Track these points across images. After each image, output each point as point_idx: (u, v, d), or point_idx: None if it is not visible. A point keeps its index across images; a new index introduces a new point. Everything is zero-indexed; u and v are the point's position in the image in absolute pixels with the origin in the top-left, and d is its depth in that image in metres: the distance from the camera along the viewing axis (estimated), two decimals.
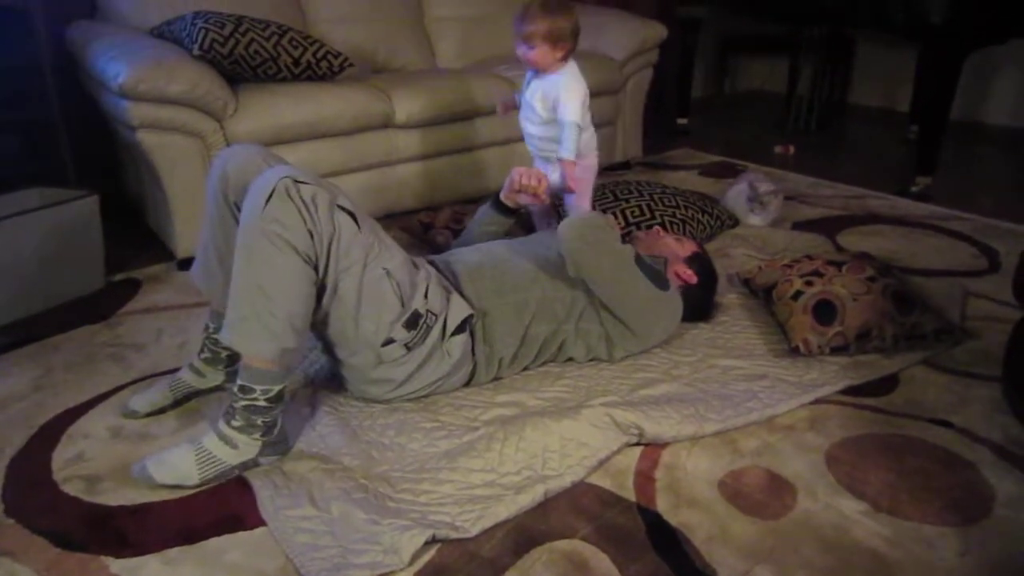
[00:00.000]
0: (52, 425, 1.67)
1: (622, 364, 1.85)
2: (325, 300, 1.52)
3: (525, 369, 1.83)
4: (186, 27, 2.38)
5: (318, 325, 1.57)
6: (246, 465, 1.49)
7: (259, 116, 2.40)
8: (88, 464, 1.54)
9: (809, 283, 1.98)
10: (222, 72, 2.38)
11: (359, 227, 1.51)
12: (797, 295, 1.97)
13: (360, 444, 1.57)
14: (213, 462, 1.46)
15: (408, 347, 1.60)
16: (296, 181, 1.43)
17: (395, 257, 1.58)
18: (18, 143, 2.38)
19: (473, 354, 1.71)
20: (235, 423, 1.47)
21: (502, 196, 2.06)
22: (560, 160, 2.01)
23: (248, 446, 1.48)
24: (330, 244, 1.46)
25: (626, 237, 2.20)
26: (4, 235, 2.06)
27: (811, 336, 1.88)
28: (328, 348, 1.66)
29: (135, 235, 2.69)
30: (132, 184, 2.78)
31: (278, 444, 1.53)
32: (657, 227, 2.23)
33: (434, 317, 1.62)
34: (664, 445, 1.58)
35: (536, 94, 2.08)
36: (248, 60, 2.41)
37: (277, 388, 1.49)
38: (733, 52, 5.16)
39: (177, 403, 1.72)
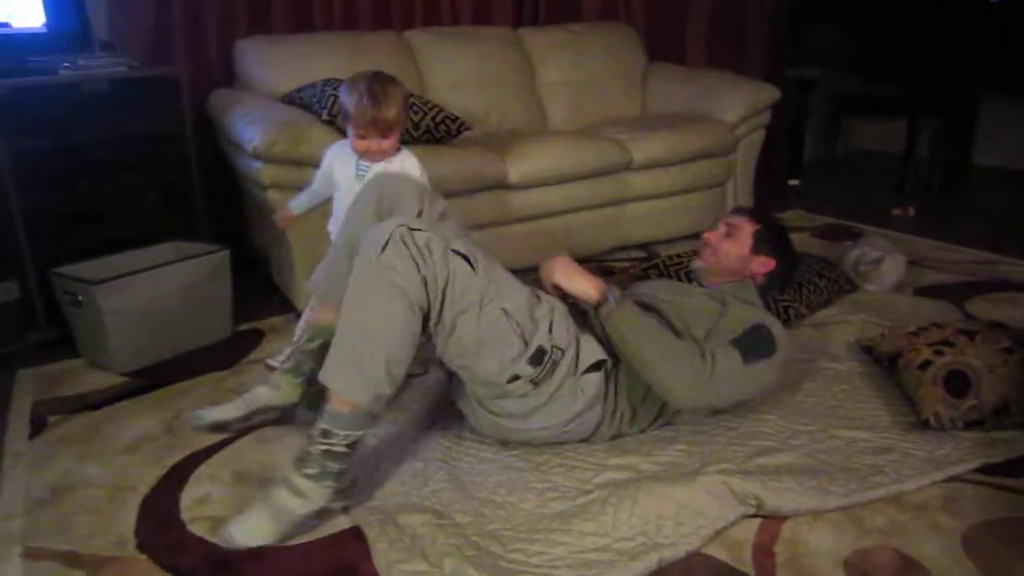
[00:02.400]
0: (181, 466, 1.76)
1: (738, 431, 1.80)
2: (443, 338, 1.54)
3: (642, 431, 1.80)
4: (316, 94, 2.54)
5: (443, 362, 1.61)
6: (317, 513, 1.50)
7: None
8: (214, 505, 1.60)
9: (939, 352, 1.88)
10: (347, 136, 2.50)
11: (474, 269, 1.53)
12: (926, 365, 1.87)
13: (472, 501, 1.57)
14: (287, 515, 1.47)
15: (535, 382, 1.59)
16: (411, 228, 1.49)
17: (515, 295, 1.59)
18: (160, 201, 2.56)
19: (604, 399, 1.68)
20: (308, 471, 1.48)
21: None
22: None
23: (317, 494, 1.48)
24: (445, 287, 1.49)
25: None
26: (144, 285, 2.21)
27: (942, 409, 1.78)
28: (457, 381, 1.69)
29: (260, 288, 2.83)
30: (258, 241, 2.94)
31: (348, 490, 1.54)
32: (705, 235, 1.97)
33: (560, 352, 1.60)
34: (784, 518, 1.52)
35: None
36: None
37: (358, 434, 1.51)
38: (846, 112, 5.05)
39: (247, 417, 1.78)
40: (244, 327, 2.53)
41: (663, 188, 3.13)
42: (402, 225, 1.49)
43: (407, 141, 2.65)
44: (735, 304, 1.81)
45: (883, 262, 2.67)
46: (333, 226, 2.07)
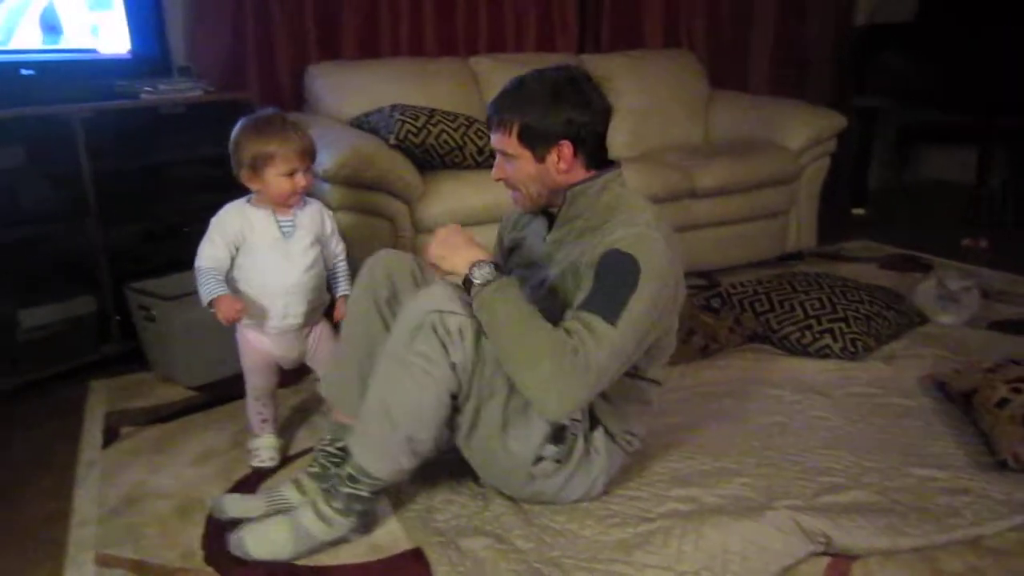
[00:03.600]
0: (247, 480, 1.79)
1: (804, 465, 1.75)
2: (467, 424, 1.51)
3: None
4: (384, 119, 2.59)
5: (466, 448, 1.57)
6: (337, 541, 1.53)
7: (445, 201, 2.55)
8: None
9: (1017, 390, 1.82)
10: (413, 160, 2.55)
11: None
12: (1003, 403, 1.81)
13: (532, 527, 1.56)
14: (308, 538, 1.51)
15: (559, 461, 1.56)
16: (443, 313, 1.43)
17: None
18: None
19: (614, 440, 1.63)
20: (335, 504, 1.51)
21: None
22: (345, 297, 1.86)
23: (342, 525, 1.52)
24: (472, 372, 1.46)
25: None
26: None
27: (1022, 449, 1.71)
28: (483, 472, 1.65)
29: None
30: None
31: (370, 524, 1.58)
32: (496, 179, 1.61)
33: (578, 424, 1.58)
34: (854, 557, 1.47)
35: (298, 233, 1.80)
36: (437, 149, 2.59)
37: (384, 483, 1.53)
38: (913, 141, 4.93)
39: (267, 515, 1.60)
40: None
41: (726, 216, 3.10)
42: (434, 311, 1.43)
43: (470, 166, 2.70)
44: (577, 246, 1.53)
45: (963, 295, 2.59)
46: (256, 287, 1.82)
